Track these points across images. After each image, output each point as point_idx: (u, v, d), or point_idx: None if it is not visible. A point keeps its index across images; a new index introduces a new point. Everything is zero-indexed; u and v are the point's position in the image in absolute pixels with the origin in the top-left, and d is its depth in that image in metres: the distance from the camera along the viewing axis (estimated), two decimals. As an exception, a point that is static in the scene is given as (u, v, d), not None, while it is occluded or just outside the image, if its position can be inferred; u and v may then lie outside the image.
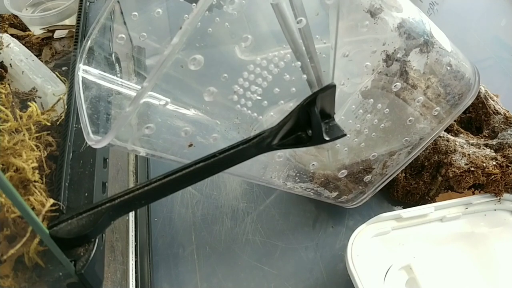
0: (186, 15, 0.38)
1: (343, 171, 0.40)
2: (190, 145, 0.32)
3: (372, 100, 0.37)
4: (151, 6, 0.37)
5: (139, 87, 0.37)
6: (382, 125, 0.38)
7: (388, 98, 0.37)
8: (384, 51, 0.35)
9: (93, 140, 0.28)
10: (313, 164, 0.39)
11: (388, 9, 0.34)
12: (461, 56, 0.40)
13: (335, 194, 0.42)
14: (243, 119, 0.37)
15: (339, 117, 0.38)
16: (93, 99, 0.33)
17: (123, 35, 0.38)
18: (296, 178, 0.40)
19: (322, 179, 0.41)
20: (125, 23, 0.39)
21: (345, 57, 0.35)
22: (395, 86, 0.36)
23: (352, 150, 0.39)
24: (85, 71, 0.33)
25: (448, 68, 0.38)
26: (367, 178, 0.41)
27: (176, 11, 0.37)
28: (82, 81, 0.32)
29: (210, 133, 0.34)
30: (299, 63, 0.33)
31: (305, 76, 0.34)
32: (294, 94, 0.35)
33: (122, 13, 0.39)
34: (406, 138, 0.40)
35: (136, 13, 0.38)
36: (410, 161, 0.42)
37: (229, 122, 0.37)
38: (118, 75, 0.37)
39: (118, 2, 0.37)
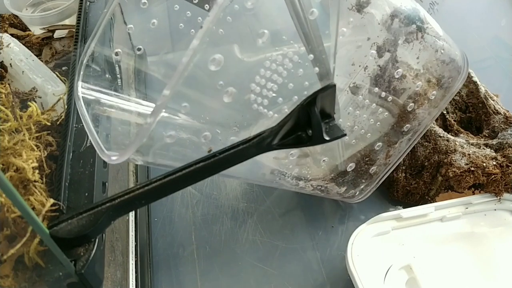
0: (186, 16, 0.38)
1: (351, 164, 0.41)
2: (209, 151, 0.32)
3: (377, 89, 0.38)
4: (146, 15, 0.37)
5: (139, 100, 0.37)
6: (386, 113, 0.39)
7: (388, 87, 0.38)
8: (374, 43, 0.36)
9: (109, 156, 0.27)
10: (324, 160, 0.39)
11: None
12: (451, 41, 0.41)
13: (343, 189, 0.43)
14: (252, 118, 0.37)
15: (348, 111, 0.38)
16: (97, 116, 0.32)
17: (120, 50, 0.37)
18: (308, 175, 0.40)
19: (333, 175, 0.41)
20: (128, 30, 0.39)
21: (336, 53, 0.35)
22: (397, 73, 0.37)
23: (360, 140, 0.40)
24: (84, 88, 0.33)
25: (442, 51, 0.39)
26: (373, 169, 0.42)
27: (173, 20, 0.37)
28: (83, 99, 0.32)
29: (227, 137, 0.34)
30: (312, 55, 0.33)
31: (317, 69, 0.34)
32: (307, 88, 0.35)
33: (125, 22, 0.39)
34: (407, 125, 0.40)
35: (131, 26, 0.38)
36: (410, 148, 0.42)
37: (232, 128, 0.37)
38: (119, 86, 0.37)
39: (118, 6, 0.37)
